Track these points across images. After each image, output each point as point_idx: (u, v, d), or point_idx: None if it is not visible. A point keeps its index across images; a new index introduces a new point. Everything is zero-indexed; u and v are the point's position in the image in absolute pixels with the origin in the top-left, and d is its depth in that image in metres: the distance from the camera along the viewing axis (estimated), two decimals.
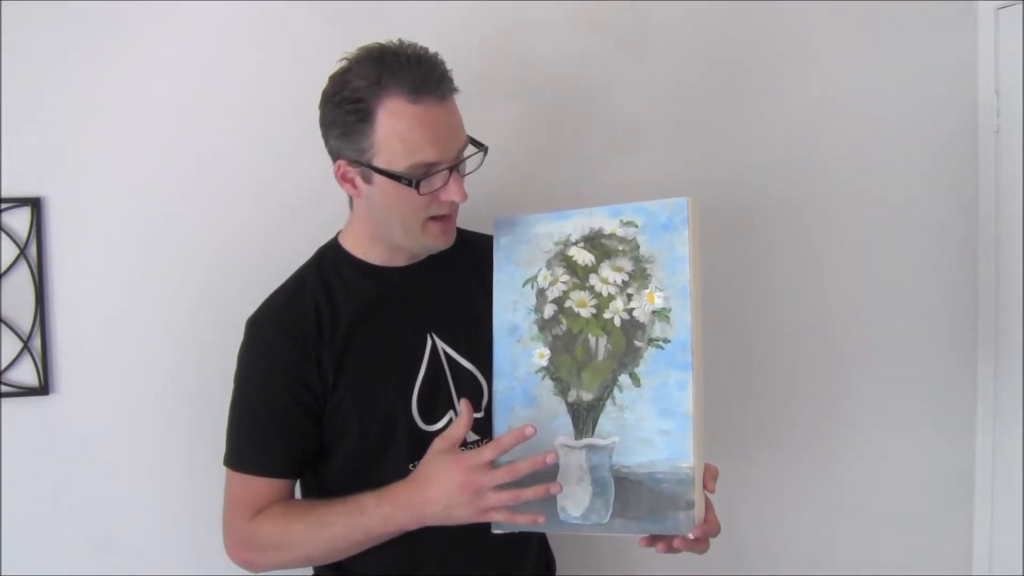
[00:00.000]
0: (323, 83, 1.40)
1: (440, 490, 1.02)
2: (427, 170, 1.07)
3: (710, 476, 1.06)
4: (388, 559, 1.14)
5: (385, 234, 1.17)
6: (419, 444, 1.11)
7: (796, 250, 1.68)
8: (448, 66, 1.09)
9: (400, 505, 1.05)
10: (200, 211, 1.41)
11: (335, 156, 1.13)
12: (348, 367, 1.14)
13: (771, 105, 1.64)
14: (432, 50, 1.09)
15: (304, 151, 1.43)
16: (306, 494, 1.22)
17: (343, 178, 1.13)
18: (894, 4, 1.67)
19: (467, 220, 1.30)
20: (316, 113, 1.39)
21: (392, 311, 1.18)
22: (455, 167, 1.09)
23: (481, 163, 1.14)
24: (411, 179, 1.07)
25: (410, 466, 1.11)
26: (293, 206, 1.44)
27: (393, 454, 1.13)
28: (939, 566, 1.74)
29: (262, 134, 1.43)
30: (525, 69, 1.53)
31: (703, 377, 1.06)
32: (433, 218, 1.12)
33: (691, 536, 1.02)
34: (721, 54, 1.62)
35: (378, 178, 1.09)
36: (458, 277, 1.23)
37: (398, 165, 1.07)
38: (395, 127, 1.06)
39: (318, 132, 1.41)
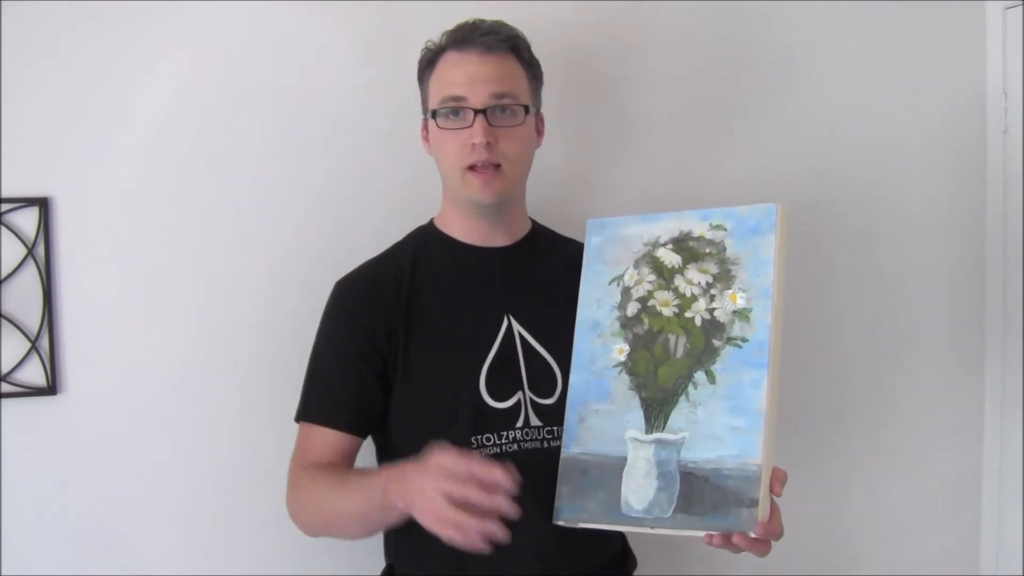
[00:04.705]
0: (335, 85, 1.42)
1: (416, 478, 0.97)
2: (454, 104, 1.15)
3: (777, 480, 1.03)
4: (438, 551, 1.11)
5: (447, 191, 1.23)
6: (485, 419, 1.14)
7: (801, 250, 1.66)
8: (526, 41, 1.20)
9: (395, 476, 1.01)
10: (209, 210, 1.41)
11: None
12: (420, 337, 1.17)
13: (777, 107, 1.64)
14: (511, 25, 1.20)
15: (316, 150, 1.44)
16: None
17: (423, 137, 1.24)
18: (902, 4, 1.67)
19: None
20: (331, 116, 1.42)
21: (473, 288, 1.21)
22: (484, 111, 1.14)
23: (523, 121, 1.18)
24: (435, 111, 1.16)
25: (473, 439, 1.13)
26: (303, 206, 1.43)
27: (459, 426, 1.14)
28: (946, 566, 1.74)
29: (271, 133, 1.42)
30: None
31: (779, 379, 1.05)
32: (471, 169, 1.16)
33: (752, 534, 0.99)
34: (726, 56, 1.61)
35: (429, 125, 1.20)
36: (548, 268, 1.25)
37: (433, 104, 1.18)
38: (439, 71, 1.18)
39: (332, 133, 1.43)
